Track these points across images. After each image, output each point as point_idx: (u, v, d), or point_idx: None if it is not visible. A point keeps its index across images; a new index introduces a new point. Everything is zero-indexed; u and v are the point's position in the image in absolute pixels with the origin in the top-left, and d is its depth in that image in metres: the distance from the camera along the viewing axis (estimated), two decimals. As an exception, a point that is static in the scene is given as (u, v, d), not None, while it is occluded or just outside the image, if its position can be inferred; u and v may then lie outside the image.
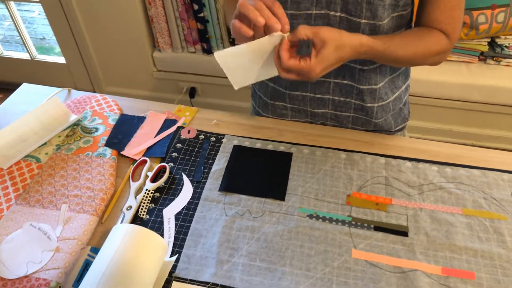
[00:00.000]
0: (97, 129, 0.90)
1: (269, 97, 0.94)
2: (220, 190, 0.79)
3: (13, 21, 2.14)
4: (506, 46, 1.75)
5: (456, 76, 1.79)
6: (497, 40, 1.76)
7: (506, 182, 0.80)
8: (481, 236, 0.71)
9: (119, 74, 2.14)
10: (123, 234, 0.62)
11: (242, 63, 0.75)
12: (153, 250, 0.62)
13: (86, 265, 0.68)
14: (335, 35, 0.67)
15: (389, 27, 0.77)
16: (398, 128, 0.95)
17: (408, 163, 0.84)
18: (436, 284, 0.65)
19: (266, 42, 0.70)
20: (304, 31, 0.67)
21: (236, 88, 0.78)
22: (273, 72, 0.74)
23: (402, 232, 0.72)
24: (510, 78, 1.75)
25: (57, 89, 1.02)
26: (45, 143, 0.87)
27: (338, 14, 0.75)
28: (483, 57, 1.82)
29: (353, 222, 0.74)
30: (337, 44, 0.67)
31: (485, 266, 0.67)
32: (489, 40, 1.77)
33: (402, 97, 0.93)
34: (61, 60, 2.22)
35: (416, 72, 1.76)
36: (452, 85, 1.79)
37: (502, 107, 1.81)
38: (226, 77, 0.77)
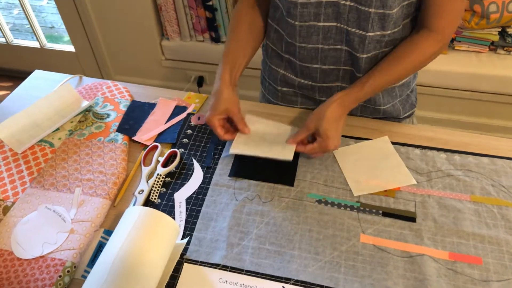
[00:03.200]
0: (108, 115, 0.92)
1: (279, 84, 0.95)
2: (230, 175, 0.80)
3: (23, 9, 2.15)
4: (517, 36, 1.73)
5: (466, 66, 1.77)
6: (508, 29, 1.74)
7: (515, 170, 0.80)
8: (489, 222, 0.72)
9: (127, 62, 2.15)
10: (136, 217, 0.63)
11: (254, 134, 0.84)
12: (165, 232, 0.63)
13: (100, 247, 0.70)
14: (316, 118, 0.78)
15: (398, 15, 0.77)
16: (406, 114, 0.95)
17: (417, 150, 0.84)
18: (443, 268, 0.66)
19: (281, 127, 0.87)
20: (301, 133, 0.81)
21: (230, 152, 0.82)
22: (272, 154, 0.80)
23: (410, 218, 0.73)
24: (520, 68, 1.74)
25: (69, 76, 1.04)
26: (58, 129, 0.88)
27: (348, 3, 0.75)
28: (493, 46, 1.80)
29: (362, 208, 0.75)
30: (325, 120, 0.77)
31: (492, 252, 0.68)
32: (500, 29, 1.75)
33: (410, 84, 0.93)
34: (70, 48, 2.23)
35: (425, 62, 1.75)
36: (461, 75, 1.78)
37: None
38: None
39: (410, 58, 0.79)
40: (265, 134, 0.84)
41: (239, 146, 0.82)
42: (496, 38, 1.76)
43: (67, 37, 2.21)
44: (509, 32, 1.74)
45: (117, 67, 2.20)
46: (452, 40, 1.80)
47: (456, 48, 1.81)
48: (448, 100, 1.87)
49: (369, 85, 0.79)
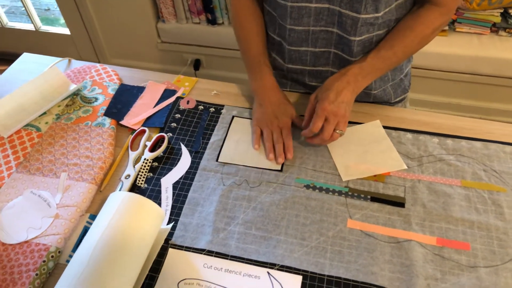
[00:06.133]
0: (96, 99, 0.90)
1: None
2: (217, 160, 0.79)
3: (17, -9, 2.12)
4: (519, 17, 1.69)
5: (467, 48, 1.74)
6: (510, 10, 1.70)
7: (508, 154, 0.78)
8: (479, 207, 0.71)
9: (123, 45, 2.12)
10: (119, 202, 0.62)
11: (243, 143, 0.82)
12: (148, 217, 0.63)
13: (85, 232, 0.69)
14: (318, 90, 0.79)
15: None
16: (398, 99, 0.93)
17: (409, 135, 0.82)
18: (430, 254, 0.66)
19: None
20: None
21: (219, 161, 0.79)
22: (260, 163, 0.79)
23: (399, 203, 0.72)
24: (522, 50, 1.70)
25: (57, 59, 1.02)
26: (45, 113, 0.87)
27: None
28: (495, 28, 1.76)
29: (350, 193, 0.74)
30: (324, 88, 0.77)
31: (481, 238, 0.67)
32: (502, 10, 1.70)
33: (403, 68, 0.90)
34: (66, 31, 2.20)
35: (425, 44, 1.72)
36: (462, 57, 1.75)
37: (512, 80, 1.76)
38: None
39: (415, 30, 0.76)
40: (252, 145, 0.82)
41: (227, 155, 0.80)
42: (498, 19, 1.72)
43: (63, 20, 2.18)
44: (512, 13, 1.70)
45: (113, 50, 2.17)
46: (453, 22, 1.76)
47: (457, 29, 1.77)
48: (447, 83, 1.85)
49: (381, 63, 0.78)
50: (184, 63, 2.09)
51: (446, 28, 1.76)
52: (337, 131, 0.76)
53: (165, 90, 0.93)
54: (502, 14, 1.72)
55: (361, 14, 0.74)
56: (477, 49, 1.73)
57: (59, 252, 0.66)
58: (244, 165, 0.78)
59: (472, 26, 1.76)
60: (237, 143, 0.82)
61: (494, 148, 0.79)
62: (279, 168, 0.78)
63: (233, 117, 0.87)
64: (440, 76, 1.82)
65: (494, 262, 0.64)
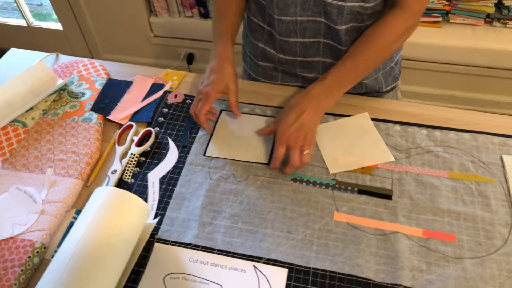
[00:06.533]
0: (83, 94, 0.90)
1: (259, 58, 0.92)
2: (205, 154, 0.79)
3: (8, -14, 2.10)
4: (513, 7, 1.68)
5: (461, 39, 1.73)
6: (504, 1, 1.69)
7: (496, 145, 0.78)
8: (466, 199, 0.71)
9: (116, 40, 2.11)
10: (103, 197, 0.62)
11: (230, 137, 0.81)
12: (133, 212, 0.62)
13: (71, 227, 0.69)
14: (275, 120, 0.79)
15: None
16: (389, 88, 0.93)
17: (397, 127, 0.82)
18: (416, 245, 0.66)
19: (260, 122, 0.84)
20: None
21: (206, 155, 0.79)
22: (248, 157, 0.78)
23: (386, 195, 0.72)
24: (516, 41, 1.69)
25: (44, 54, 1.01)
26: (31, 108, 0.87)
27: None
28: (489, 19, 1.75)
29: (337, 186, 0.73)
30: (280, 116, 0.77)
31: (467, 229, 0.67)
32: (496, 1, 1.69)
33: (393, 56, 0.90)
34: (58, 26, 2.19)
35: (418, 36, 1.71)
36: (456, 49, 1.74)
37: (507, 71, 1.75)
38: None
39: (378, 41, 0.76)
40: (240, 137, 0.82)
41: (214, 149, 0.80)
42: (492, 10, 1.71)
43: (55, 15, 2.16)
44: (506, 4, 1.69)
45: (106, 45, 2.16)
46: (447, 13, 1.75)
47: (451, 21, 1.77)
48: (441, 75, 1.84)
49: (340, 74, 0.78)
50: (177, 57, 2.08)
51: (440, 19, 1.75)
52: (305, 153, 0.72)
53: (153, 85, 0.92)
54: (496, 5, 1.71)
55: (347, 2, 0.74)
56: (471, 40, 1.72)
57: (44, 247, 0.66)
58: (231, 159, 0.78)
59: (466, 17, 1.75)
60: (224, 137, 0.82)
61: (483, 140, 0.79)
62: (267, 161, 0.77)
63: (221, 111, 0.87)
64: (433, 68, 1.82)
65: (479, 253, 0.64)
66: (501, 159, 0.76)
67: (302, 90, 0.79)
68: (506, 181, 0.73)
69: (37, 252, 0.65)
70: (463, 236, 0.66)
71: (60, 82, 0.91)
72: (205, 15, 1.87)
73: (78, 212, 0.71)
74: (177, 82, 0.93)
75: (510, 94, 1.85)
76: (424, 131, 0.81)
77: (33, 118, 0.85)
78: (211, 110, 0.83)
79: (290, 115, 0.74)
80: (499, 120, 0.82)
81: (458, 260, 0.64)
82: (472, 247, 0.65)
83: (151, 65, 0.98)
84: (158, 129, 0.84)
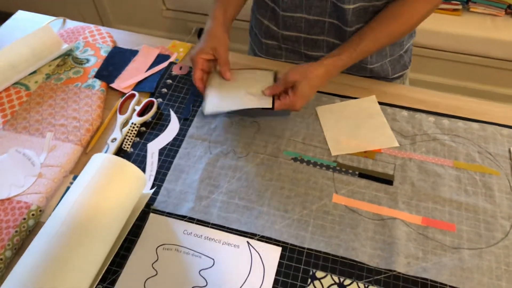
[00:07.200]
0: (88, 60, 0.88)
1: (263, 35, 0.90)
2: (204, 113, 0.75)
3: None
4: (537, -2, 1.62)
5: (480, 29, 1.67)
6: (528, -9, 1.62)
7: (505, 137, 0.76)
8: (469, 189, 0.69)
9: (128, 11, 2.08)
10: (100, 164, 0.61)
11: (226, 87, 0.78)
12: (128, 180, 0.62)
13: (68, 192, 0.69)
14: (301, 74, 0.72)
15: None
16: (396, 75, 0.90)
17: (404, 112, 0.80)
18: (414, 233, 0.64)
19: (256, 74, 0.80)
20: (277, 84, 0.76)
21: (205, 113, 0.75)
22: (250, 104, 0.75)
23: (387, 180, 0.70)
24: (537, 34, 1.64)
25: (52, 18, 1.00)
26: (35, 72, 0.86)
27: None
28: (510, 10, 1.69)
29: (338, 168, 0.72)
30: (306, 81, 0.72)
31: (468, 219, 0.66)
32: (519, -10, 1.63)
33: (403, 43, 0.87)
34: (70, -7, 2.16)
35: (436, 23, 1.66)
36: (473, 38, 1.68)
37: (526, 65, 1.70)
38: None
39: (402, 20, 0.73)
40: (238, 87, 0.78)
41: (213, 104, 0.76)
42: (514, 0, 1.65)
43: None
44: (529, -6, 1.62)
45: (118, 15, 2.13)
46: (467, 1, 1.70)
47: (471, 9, 1.71)
48: (454, 64, 1.79)
49: (360, 49, 0.74)
50: (188, 32, 2.05)
51: (460, 7, 1.69)
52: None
53: (159, 55, 0.91)
54: (519, -5, 1.65)
55: None
56: (490, 31, 1.67)
57: (40, 210, 0.66)
58: (232, 110, 0.75)
59: (487, 7, 1.69)
60: (219, 88, 0.78)
61: (491, 130, 0.77)
62: (271, 106, 0.73)
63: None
64: (448, 57, 1.77)
65: (478, 245, 0.63)
66: (509, 151, 0.74)
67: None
68: (512, 174, 0.71)
69: (33, 214, 0.65)
70: (463, 227, 0.65)
71: (65, 46, 0.90)
72: (218, -10, 1.83)
73: (76, 178, 0.71)
74: (183, 54, 0.91)
75: (526, 88, 1.80)
76: (431, 118, 0.79)
77: (36, 82, 0.84)
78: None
79: (312, 90, 0.74)
80: (508, 110, 0.80)
81: (456, 250, 0.63)
82: (471, 238, 0.64)
83: (162, 38, 0.96)
84: (161, 100, 0.83)
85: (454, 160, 0.73)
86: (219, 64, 0.78)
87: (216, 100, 0.76)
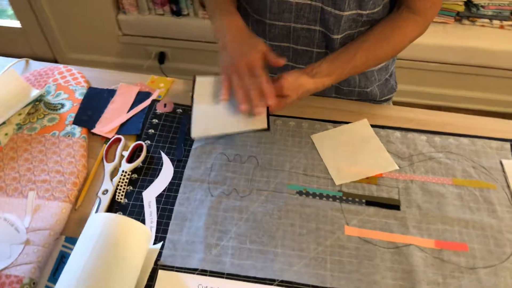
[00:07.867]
0: (63, 105, 0.82)
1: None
2: (190, 136, 0.70)
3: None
4: (482, 6, 1.73)
5: (433, 37, 1.76)
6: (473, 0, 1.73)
7: (494, 150, 0.78)
8: (472, 206, 0.71)
9: (81, 39, 1.99)
10: (101, 225, 0.56)
11: (214, 108, 0.71)
12: (136, 239, 0.57)
13: (62, 257, 0.63)
14: (292, 89, 0.69)
15: None
16: (384, 98, 0.92)
17: (397, 133, 0.81)
18: (430, 257, 0.64)
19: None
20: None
21: (193, 136, 0.70)
22: (242, 127, 0.69)
23: (394, 205, 0.70)
24: (485, 39, 1.75)
25: (12, 60, 0.92)
26: (4, 123, 0.78)
27: None
28: (458, 17, 1.79)
29: (344, 197, 0.71)
30: (296, 93, 0.70)
31: (477, 237, 0.67)
32: (465, 0, 1.74)
33: (388, 67, 0.89)
34: (16, 24, 2.03)
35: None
36: (428, 46, 1.77)
37: (477, 68, 1.81)
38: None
39: (391, 42, 0.74)
40: (227, 105, 0.71)
41: (200, 127, 0.70)
42: (461, 8, 1.75)
43: (11, 11, 2.00)
44: (474, 2, 1.73)
45: (71, 44, 2.03)
46: (419, 11, 1.78)
47: (423, 19, 1.79)
48: (414, 72, 1.87)
49: (349, 70, 0.74)
50: (148, 57, 1.99)
51: (413, 17, 1.77)
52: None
53: (139, 93, 0.86)
54: (465, 3, 1.75)
55: (345, 12, 0.71)
56: (442, 38, 1.76)
57: (33, 283, 0.59)
58: (223, 133, 0.70)
59: (439, 16, 1.78)
60: (207, 109, 0.71)
61: (481, 144, 0.79)
62: (266, 127, 0.68)
63: (194, 77, 0.76)
64: (406, 65, 1.84)
65: (492, 262, 0.64)
66: (501, 163, 0.76)
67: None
68: (508, 186, 0.73)
69: (26, 289, 0.58)
70: (474, 245, 0.66)
71: (35, 92, 0.83)
72: (177, 13, 1.79)
73: (69, 240, 0.65)
74: (165, 89, 0.87)
75: (481, 90, 1.91)
76: (423, 136, 0.80)
77: (6, 134, 0.77)
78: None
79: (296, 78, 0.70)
80: (495, 123, 0.83)
81: (472, 270, 0.63)
82: (484, 256, 0.65)
83: (120, 65, 0.91)
84: (149, 142, 0.78)
85: (452, 177, 0.74)
86: (268, 57, 0.70)
87: (204, 123, 0.71)
